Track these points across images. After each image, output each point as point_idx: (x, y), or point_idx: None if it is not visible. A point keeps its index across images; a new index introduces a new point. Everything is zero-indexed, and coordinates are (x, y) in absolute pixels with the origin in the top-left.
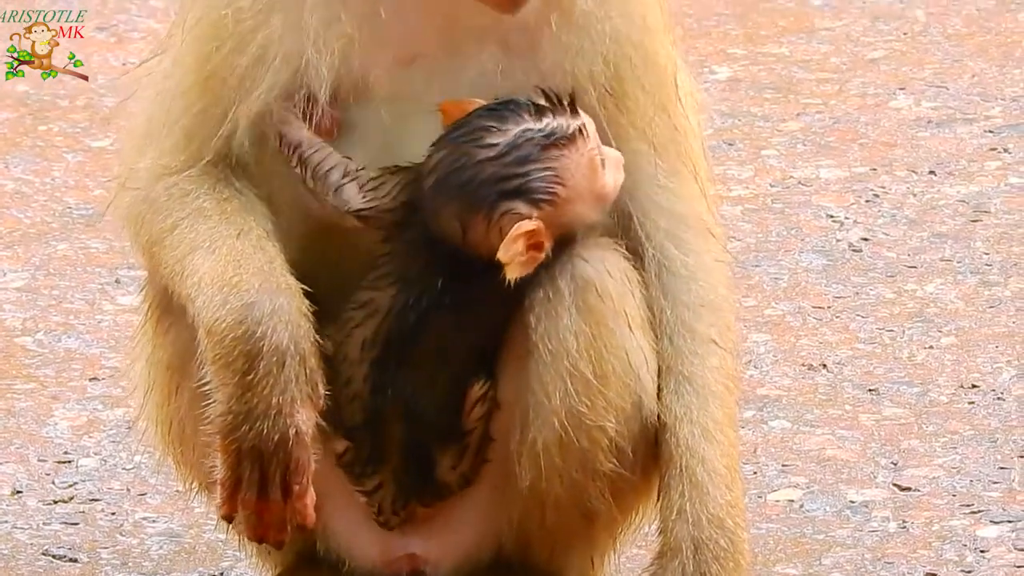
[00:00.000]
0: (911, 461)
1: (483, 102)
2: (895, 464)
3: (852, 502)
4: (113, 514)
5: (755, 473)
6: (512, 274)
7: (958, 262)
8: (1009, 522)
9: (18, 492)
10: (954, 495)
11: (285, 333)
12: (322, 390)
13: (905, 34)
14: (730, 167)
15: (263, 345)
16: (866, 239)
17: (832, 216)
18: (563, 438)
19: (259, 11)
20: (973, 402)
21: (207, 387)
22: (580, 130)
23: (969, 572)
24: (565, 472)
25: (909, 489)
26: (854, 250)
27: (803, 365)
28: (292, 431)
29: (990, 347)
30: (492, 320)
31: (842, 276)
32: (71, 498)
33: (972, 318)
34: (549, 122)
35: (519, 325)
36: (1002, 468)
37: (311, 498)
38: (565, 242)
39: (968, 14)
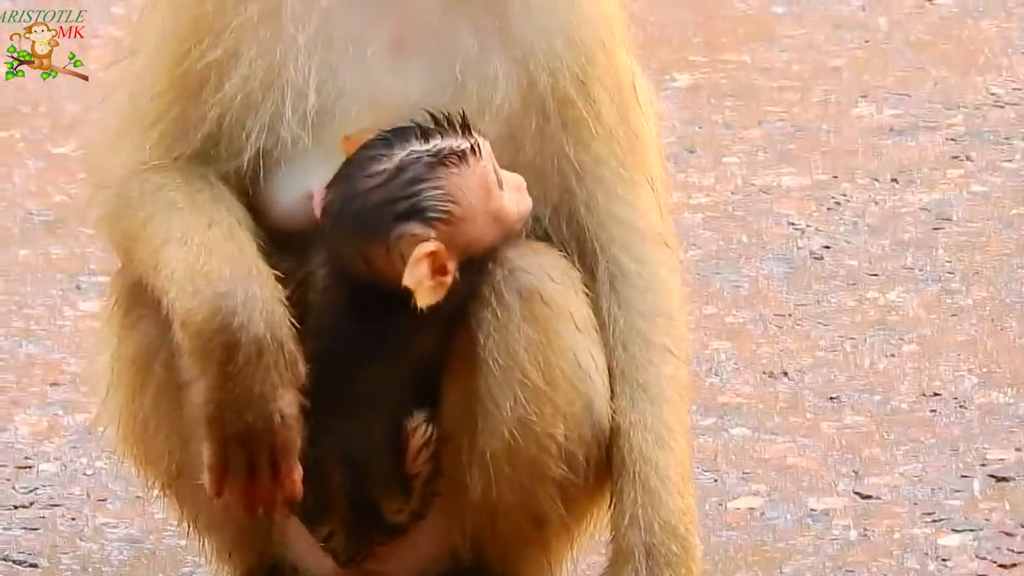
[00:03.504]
0: (872, 469)
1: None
2: (856, 472)
3: (813, 510)
4: (73, 519)
5: (715, 481)
6: (423, 301)
7: (920, 270)
8: (971, 530)
9: None
10: (915, 503)
11: (261, 322)
12: (302, 369)
13: (867, 42)
14: (691, 175)
15: (240, 336)
16: (828, 247)
17: (793, 224)
18: (512, 446)
19: (237, 3)
20: (935, 410)
21: (184, 377)
22: (472, 148)
23: None
24: (515, 480)
25: (870, 497)
26: (815, 258)
27: (764, 373)
28: (276, 416)
29: (952, 355)
30: (420, 354)
31: (803, 284)
32: (31, 503)
33: (934, 326)
34: (437, 143)
35: (465, 342)
36: (964, 476)
37: (298, 473)
38: (474, 267)
39: (930, 22)
